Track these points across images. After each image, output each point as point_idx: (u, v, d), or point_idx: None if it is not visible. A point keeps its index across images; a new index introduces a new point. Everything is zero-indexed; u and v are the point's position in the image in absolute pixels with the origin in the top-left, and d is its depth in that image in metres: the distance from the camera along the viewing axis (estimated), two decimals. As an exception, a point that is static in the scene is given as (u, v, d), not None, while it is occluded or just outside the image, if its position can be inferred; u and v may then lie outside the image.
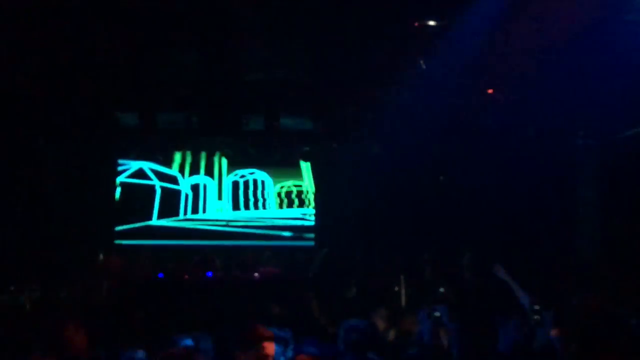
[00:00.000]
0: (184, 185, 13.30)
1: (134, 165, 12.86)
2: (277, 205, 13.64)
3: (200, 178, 13.41)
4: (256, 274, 10.51)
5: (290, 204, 13.65)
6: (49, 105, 9.10)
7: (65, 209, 11.72)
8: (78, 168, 11.76)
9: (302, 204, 13.66)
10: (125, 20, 6.79)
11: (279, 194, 13.66)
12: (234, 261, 11.64)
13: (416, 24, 6.96)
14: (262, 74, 8.66)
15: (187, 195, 13.32)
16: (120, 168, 12.71)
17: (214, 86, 8.88)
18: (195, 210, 13.33)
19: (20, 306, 9.08)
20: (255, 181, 13.59)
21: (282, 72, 8.61)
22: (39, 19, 6.68)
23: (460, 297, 6.86)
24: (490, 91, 8.88)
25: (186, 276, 9.97)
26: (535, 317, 4.91)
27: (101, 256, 10.95)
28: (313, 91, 9.51)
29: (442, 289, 7.62)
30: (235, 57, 8.22)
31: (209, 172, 13.44)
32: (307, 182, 13.60)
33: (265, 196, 13.58)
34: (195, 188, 13.40)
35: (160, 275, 10.20)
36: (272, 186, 13.64)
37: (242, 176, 13.55)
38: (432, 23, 6.97)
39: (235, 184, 13.55)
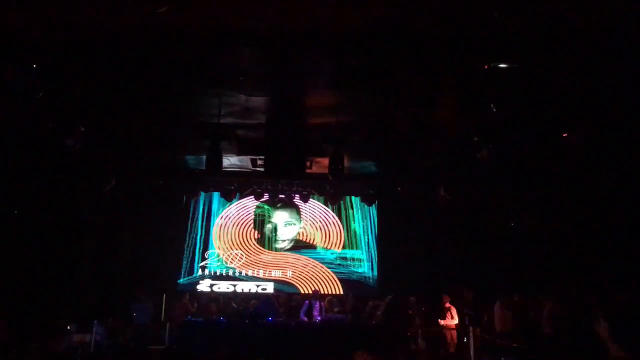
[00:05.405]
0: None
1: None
2: (339, 248, 13.51)
3: (268, 225, 13.62)
4: (318, 320, 10.27)
5: (352, 246, 13.48)
6: (121, 149, 9.39)
7: (133, 252, 11.98)
8: (147, 210, 12.03)
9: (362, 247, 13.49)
10: (188, 68, 6.95)
11: (341, 236, 13.53)
12: (296, 304, 11.49)
13: (485, 66, 6.78)
14: (328, 118, 8.62)
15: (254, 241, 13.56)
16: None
17: (280, 129, 8.91)
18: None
19: (87, 344, 9.24)
20: (316, 226, 13.63)
21: (348, 116, 8.56)
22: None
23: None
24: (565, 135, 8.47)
25: (247, 321, 9.82)
26: None
27: (164, 299, 11.04)
28: (378, 135, 9.41)
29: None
30: (301, 101, 8.25)
31: (277, 218, 13.65)
32: (370, 225, 13.48)
33: (327, 240, 13.53)
34: (262, 233, 13.58)
35: (222, 319, 10.14)
36: (335, 230, 13.56)
37: (307, 222, 13.62)
38: (502, 65, 6.77)
39: (303, 230, 13.63)
